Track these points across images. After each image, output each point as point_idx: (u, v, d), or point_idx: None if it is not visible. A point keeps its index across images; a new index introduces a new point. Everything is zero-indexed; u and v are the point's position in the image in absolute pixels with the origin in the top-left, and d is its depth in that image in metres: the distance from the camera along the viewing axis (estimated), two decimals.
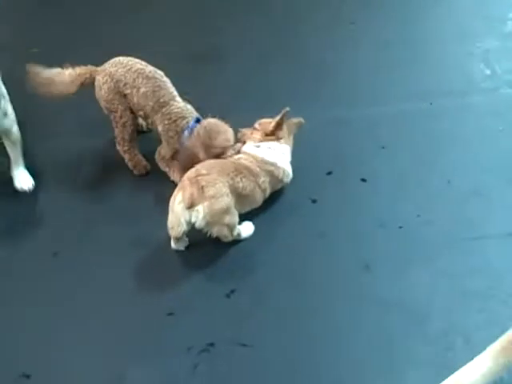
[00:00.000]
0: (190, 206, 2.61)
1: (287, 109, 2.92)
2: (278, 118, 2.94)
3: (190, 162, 2.85)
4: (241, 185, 2.77)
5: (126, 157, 3.17)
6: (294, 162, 3.02)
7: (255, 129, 3.02)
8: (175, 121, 3.01)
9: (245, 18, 4.20)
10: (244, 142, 3.02)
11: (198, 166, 2.75)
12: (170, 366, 2.43)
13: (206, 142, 2.90)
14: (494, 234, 2.82)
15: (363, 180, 3.07)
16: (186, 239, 2.81)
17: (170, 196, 2.71)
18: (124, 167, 3.17)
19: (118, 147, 3.16)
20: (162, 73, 3.09)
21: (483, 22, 3.99)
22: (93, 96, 3.11)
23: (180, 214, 2.65)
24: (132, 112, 3.10)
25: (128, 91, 3.04)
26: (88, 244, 2.89)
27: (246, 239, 2.84)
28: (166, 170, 3.13)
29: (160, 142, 3.13)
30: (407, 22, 4.08)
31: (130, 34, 4.04)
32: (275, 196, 3.01)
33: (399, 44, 3.89)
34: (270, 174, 2.90)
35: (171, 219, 2.69)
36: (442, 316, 2.52)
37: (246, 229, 2.86)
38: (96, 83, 3.09)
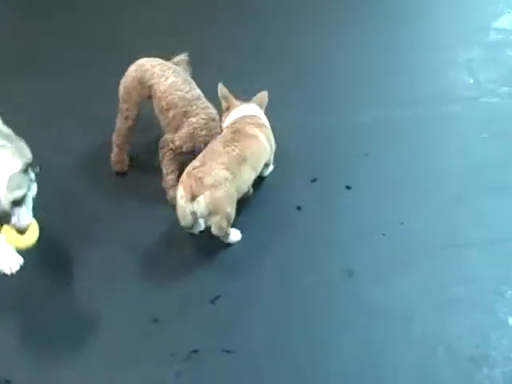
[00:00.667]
0: (192, 199, 2.67)
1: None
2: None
3: None
4: (237, 150, 2.81)
5: (115, 150, 3.19)
6: (279, 169, 3.04)
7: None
8: (206, 110, 3.02)
9: (229, 23, 4.21)
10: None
11: (193, 161, 2.80)
12: (154, 373, 2.42)
13: None
14: (476, 241, 2.85)
15: (348, 187, 3.09)
16: (200, 225, 2.83)
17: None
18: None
19: (113, 138, 3.19)
20: (188, 75, 3.18)
21: (467, 32, 4.03)
22: None
23: (184, 207, 2.70)
24: (139, 110, 3.13)
25: (155, 81, 3.07)
26: (72, 250, 2.88)
27: (231, 244, 2.86)
28: (164, 168, 3.04)
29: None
30: (392, 30, 4.11)
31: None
32: (260, 202, 3.03)
33: (383, 52, 3.92)
34: (256, 123, 2.96)
35: (178, 212, 2.75)
36: (424, 323, 2.55)
37: (234, 234, 2.87)
38: (127, 72, 3.15)
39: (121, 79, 3.14)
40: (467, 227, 2.92)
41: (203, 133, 2.98)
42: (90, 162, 3.28)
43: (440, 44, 3.97)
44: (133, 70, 3.13)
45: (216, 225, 2.74)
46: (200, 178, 2.68)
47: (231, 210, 2.75)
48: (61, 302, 2.67)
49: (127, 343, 2.53)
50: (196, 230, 2.86)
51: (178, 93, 3.03)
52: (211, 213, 2.70)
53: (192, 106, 3.02)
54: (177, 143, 3.01)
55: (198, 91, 3.09)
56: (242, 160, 2.81)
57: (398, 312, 2.59)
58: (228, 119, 3.03)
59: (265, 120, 3.04)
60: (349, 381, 2.39)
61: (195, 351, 2.48)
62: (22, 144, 2.50)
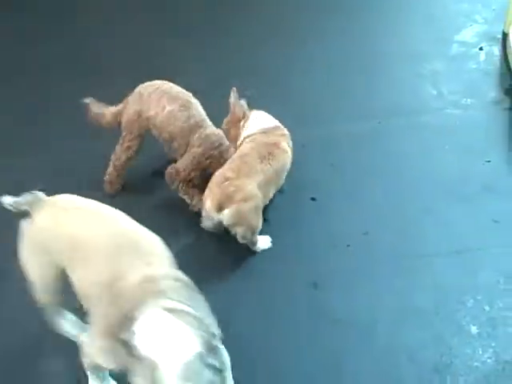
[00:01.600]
0: (219, 210, 2.70)
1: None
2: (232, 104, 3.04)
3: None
4: (272, 169, 2.84)
5: (110, 169, 3.15)
6: None
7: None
8: (208, 136, 2.99)
9: (200, 38, 4.23)
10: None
11: (224, 168, 2.79)
12: None
13: None
14: (440, 251, 2.87)
15: (313, 199, 3.11)
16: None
17: None
18: None
19: (112, 157, 3.15)
20: (190, 94, 3.08)
21: (431, 44, 4.08)
22: None
23: (210, 216, 2.77)
24: (142, 141, 3.10)
25: (152, 112, 3.00)
26: None
27: (261, 251, 2.88)
28: (185, 196, 3.04)
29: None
30: (357, 43, 4.15)
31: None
32: None
33: (349, 64, 3.96)
34: (282, 134, 2.98)
35: (204, 220, 2.84)
36: (388, 333, 2.56)
37: (263, 241, 2.89)
38: (128, 102, 3.09)
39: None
40: (431, 237, 2.94)
41: (208, 161, 2.97)
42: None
43: (405, 56, 4.01)
44: (132, 101, 3.06)
45: (240, 234, 2.77)
46: (231, 192, 2.69)
47: (256, 223, 2.78)
48: None
49: None
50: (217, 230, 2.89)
51: (177, 123, 2.97)
52: (236, 224, 2.74)
53: (194, 135, 2.97)
54: (182, 174, 2.98)
55: (199, 113, 3.02)
56: (273, 179, 2.87)
57: (362, 322, 2.60)
58: (251, 128, 2.99)
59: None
60: None
61: None
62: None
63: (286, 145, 2.96)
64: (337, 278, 2.77)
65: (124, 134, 3.10)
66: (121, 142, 3.11)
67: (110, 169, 3.16)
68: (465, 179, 3.21)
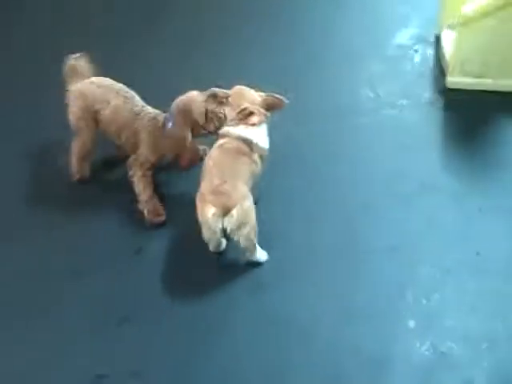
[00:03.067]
0: (225, 214, 2.66)
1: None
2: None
3: (181, 148, 3.06)
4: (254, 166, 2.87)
5: (73, 159, 3.20)
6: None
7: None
8: (155, 117, 3.07)
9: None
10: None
11: (207, 179, 2.75)
12: None
13: (186, 115, 2.99)
14: (379, 248, 2.93)
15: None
16: (223, 242, 2.86)
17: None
18: None
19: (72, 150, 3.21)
20: (127, 88, 3.18)
21: (367, 46, 4.17)
22: None
23: (214, 225, 2.68)
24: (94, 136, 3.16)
25: (98, 106, 3.09)
26: None
27: (258, 263, 2.87)
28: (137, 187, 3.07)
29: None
30: (293, 45, 4.21)
31: None
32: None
33: (291, 67, 3.99)
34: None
35: (206, 233, 2.73)
36: (328, 329, 2.61)
37: (261, 253, 2.88)
38: (68, 100, 3.15)
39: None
40: (370, 234, 3.01)
41: (163, 141, 3.04)
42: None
43: (343, 58, 4.08)
44: (75, 98, 3.14)
45: (245, 237, 2.73)
46: (228, 194, 2.68)
47: (254, 221, 2.76)
48: None
49: (31, 374, 2.46)
50: (221, 248, 2.87)
51: (123, 114, 3.07)
52: (241, 225, 2.70)
53: (140, 121, 3.06)
54: (141, 159, 3.05)
55: (140, 103, 3.12)
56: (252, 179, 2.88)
57: (303, 321, 2.64)
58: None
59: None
60: None
61: (101, 376, 2.43)
62: None
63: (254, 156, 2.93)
64: (277, 278, 2.80)
65: (76, 131, 3.16)
66: (75, 138, 3.18)
67: (73, 158, 3.22)
68: (402, 177, 3.29)
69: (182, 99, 3.05)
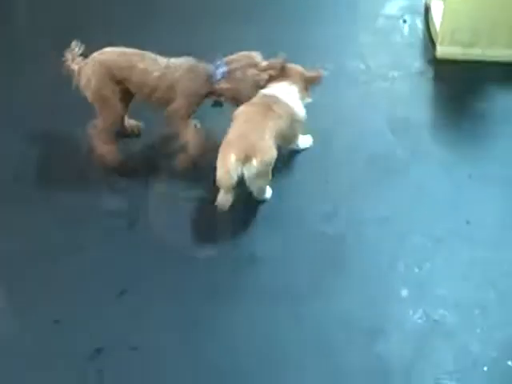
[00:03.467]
0: (245, 161, 2.73)
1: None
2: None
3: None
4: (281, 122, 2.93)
5: (99, 144, 3.12)
6: None
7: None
8: (190, 67, 3.04)
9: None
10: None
11: (235, 129, 2.83)
12: (57, 375, 2.39)
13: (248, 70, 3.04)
14: (370, 219, 2.95)
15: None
16: (231, 196, 2.86)
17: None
18: None
19: (94, 135, 3.11)
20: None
21: (358, 17, 4.17)
22: None
23: (232, 169, 2.73)
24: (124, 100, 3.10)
25: (126, 73, 3.02)
26: None
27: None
28: (177, 129, 3.09)
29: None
30: (286, 18, 4.21)
31: None
32: None
33: (280, 42, 3.95)
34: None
35: (221, 175, 2.77)
36: (319, 301, 2.63)
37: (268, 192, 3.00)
38: (83, 74, 3.03)
39: None
40: (361, 205, 3.03)
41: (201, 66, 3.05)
42: None
43: (333, 31, 4.08)
44: (93, 71, 3.01)
45: (259, 187, 2.89)
46: (253, 143, 2.75)
47: (270, 173, 2.88)
48: None
49: (28, 346, 2.48)
50: (228, 203, 2.85)
51: (155, 73, 3.02)
52: (259, 175, 2.80)
53: (174, 74, 3.01)
54: (179, 110, 3.04)
55: (162, 60, 3.07)
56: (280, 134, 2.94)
57: (291, 292, 2.65)
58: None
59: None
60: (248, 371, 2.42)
61: (99, 350, 2.46)
62: None
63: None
64: (270, 252, 2.82)
65: (99, 105, 3.06)
66: (100, 114, 3.08)
67: (98, 142, 3.13)
68: (393, 148, 3.31)
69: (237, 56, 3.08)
